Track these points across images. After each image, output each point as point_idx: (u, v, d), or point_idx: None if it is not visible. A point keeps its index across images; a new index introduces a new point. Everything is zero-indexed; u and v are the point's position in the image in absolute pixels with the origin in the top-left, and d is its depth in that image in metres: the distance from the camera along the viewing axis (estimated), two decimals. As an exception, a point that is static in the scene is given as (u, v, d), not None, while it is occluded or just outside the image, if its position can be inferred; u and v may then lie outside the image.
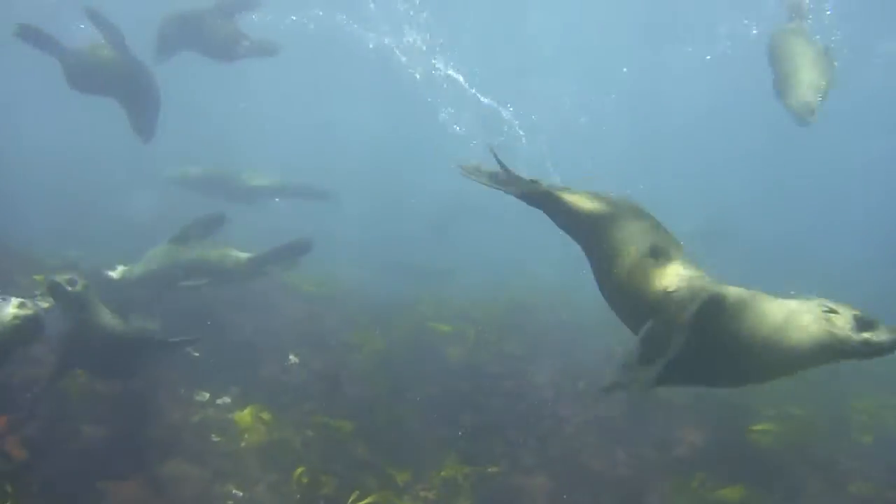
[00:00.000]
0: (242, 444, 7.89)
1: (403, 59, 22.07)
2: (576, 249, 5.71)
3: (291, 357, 10.19)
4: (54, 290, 7.14)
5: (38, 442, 6.87)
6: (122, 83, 10.89)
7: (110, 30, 10.59)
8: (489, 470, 7.80)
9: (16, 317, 5.73)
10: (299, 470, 7.24)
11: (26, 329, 5.98)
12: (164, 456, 7.29)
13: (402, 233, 23.00)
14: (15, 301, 5.92)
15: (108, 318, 7.52)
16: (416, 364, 10.64)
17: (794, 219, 32.92)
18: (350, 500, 6.95)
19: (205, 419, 8.35)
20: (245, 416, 8.24)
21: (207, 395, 8.99)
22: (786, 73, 9.42)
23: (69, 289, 7.15)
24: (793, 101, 9.10)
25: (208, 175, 16.37)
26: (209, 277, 10.43)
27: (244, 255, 10.59)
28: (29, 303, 6.16)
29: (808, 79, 9.17)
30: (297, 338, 10.76)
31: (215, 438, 8.01)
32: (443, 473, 7.79)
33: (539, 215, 5.78)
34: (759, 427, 8.74)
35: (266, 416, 8.22)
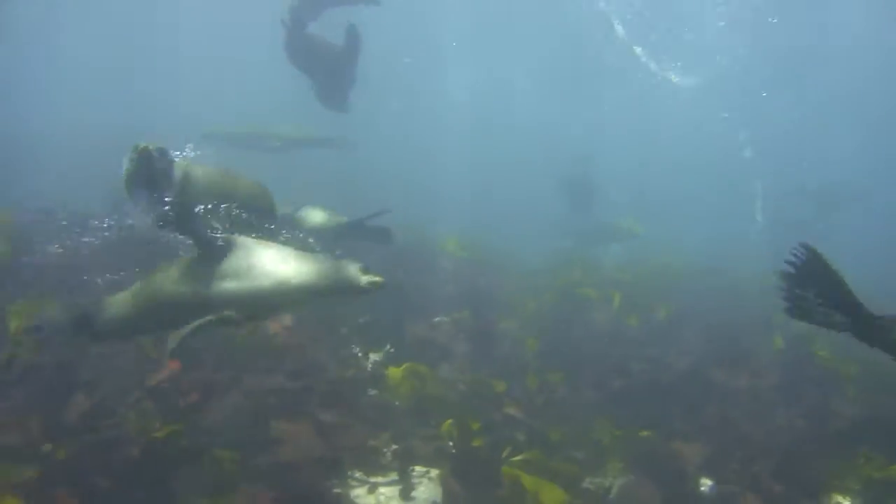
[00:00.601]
0: (396, 399, 8.11)
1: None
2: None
3: (444, 316, 10.41)
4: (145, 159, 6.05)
5: (207, 385, 7.26)
6: (324, 66, 13.24)
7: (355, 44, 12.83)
8: (640, 434, 7.73)
9: (371, 282, 5.84)
10: (448, 422, 7.34)
11: (371, 292, 6.04)
12: (324, 406, 7.56)
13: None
14: (355, 265, 6.00)
15: None
16: (564, 327, 10.67)
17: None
18: (503, 455, 7.04)
19: (360, 373, 8.60)
20: (398, 371, 8.44)
21: (361, 351, 9.30)
22: None
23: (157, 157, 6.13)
24: None
25: (240, 130, 17.67)
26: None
27: (344, 218, 10.94)
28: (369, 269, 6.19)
29: None
30: (448, 298, 10.97)
31: (371, 392, 8.26)
32: (593, 435, 7.80)
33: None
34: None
35: (420, 370, 8.42)
